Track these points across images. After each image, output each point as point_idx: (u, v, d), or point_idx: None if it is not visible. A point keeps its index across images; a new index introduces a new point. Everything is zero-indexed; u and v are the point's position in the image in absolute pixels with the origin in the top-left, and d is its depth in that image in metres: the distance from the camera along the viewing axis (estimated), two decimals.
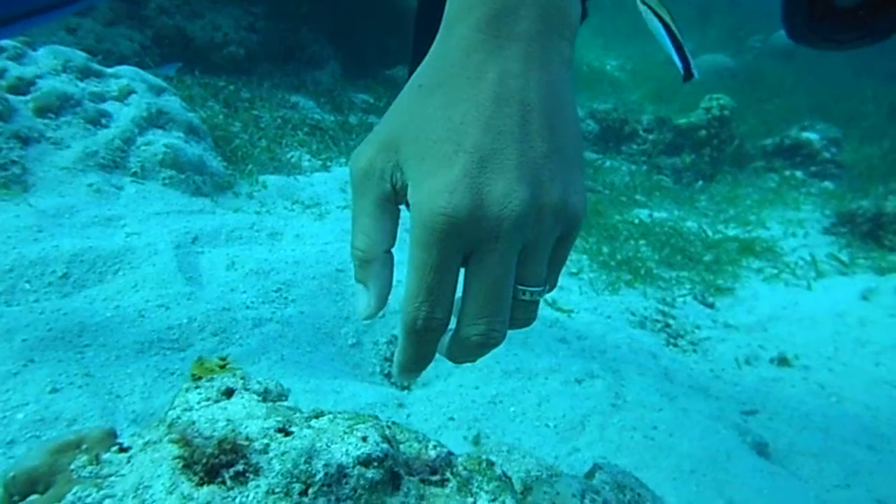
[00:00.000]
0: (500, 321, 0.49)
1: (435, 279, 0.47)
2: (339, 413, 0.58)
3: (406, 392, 1.48)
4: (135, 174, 1.86)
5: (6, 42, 1.83)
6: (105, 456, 0.54)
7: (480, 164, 0.45)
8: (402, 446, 0.58)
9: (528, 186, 0.46)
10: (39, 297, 1.38)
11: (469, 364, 1.55)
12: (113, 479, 0.52)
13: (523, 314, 0.52)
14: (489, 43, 0.48)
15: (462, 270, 0.49)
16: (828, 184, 3.75)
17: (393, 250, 0.54)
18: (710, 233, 2.92)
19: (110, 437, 0.58)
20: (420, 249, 0.47)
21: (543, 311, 1.89)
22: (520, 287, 0.50)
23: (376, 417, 0.58)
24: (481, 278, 0.48)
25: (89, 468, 0.53)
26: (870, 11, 0.76)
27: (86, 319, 1.34)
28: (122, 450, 0.55)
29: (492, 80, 0.47)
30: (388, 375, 1.57)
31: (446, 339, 0.52)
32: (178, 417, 0.56)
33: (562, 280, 2.18)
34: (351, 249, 0.53)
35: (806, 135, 3.96)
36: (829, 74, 6.31)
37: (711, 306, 2.26)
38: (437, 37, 0.51)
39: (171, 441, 0.52)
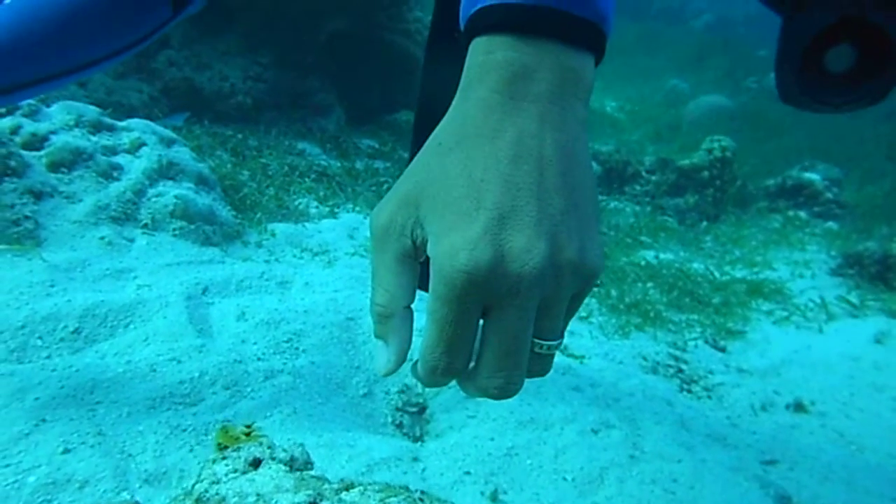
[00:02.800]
0: (517, 374, 0.50)
1: (455, 332, 0.48)
2: (370, 484, 0.56)
3: (420, 445, 1.46)
4: (146, 226, 1.87)
5: None
6: None
7: (500, 221, 0.46)
8: None
9: (547, 243, 0.47)
10: (51, 354, 1.37)
11: (483, 414, 1.53)
12: None
13: (539, 366, 0.53)
14: (507, 104, 0.49)
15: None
16: (832, 224, 3.76)
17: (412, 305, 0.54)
18: (717, 274, 2.91)
19: None
20: (441, 303, 0.48)
21: (556, 357, 1.87)
22: (536, 341, 0.51)
23: (407, 489, 0.56)
24: (500, 333, 0.49)
25: None
26: (862, 75, 0.78)
27: (97, 375, 1.33)
28: None
29: (510, 139, 0.48)
30: (400, 426, 1.55)
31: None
32: (206, 491, 0.55)
33: (572, 325, 2.17)
34: (371, 305, 0.53)
35: (808, 175, 3.99)
36: (827, 116, 6.37)
37: (723, 350, 2.24)
38: (455, 98, 0.53)
39: None
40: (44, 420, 1.18)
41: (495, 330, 0.49)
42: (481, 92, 0.50)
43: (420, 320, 0.49)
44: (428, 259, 0.50)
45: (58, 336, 1.41)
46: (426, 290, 0.50)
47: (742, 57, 8.78)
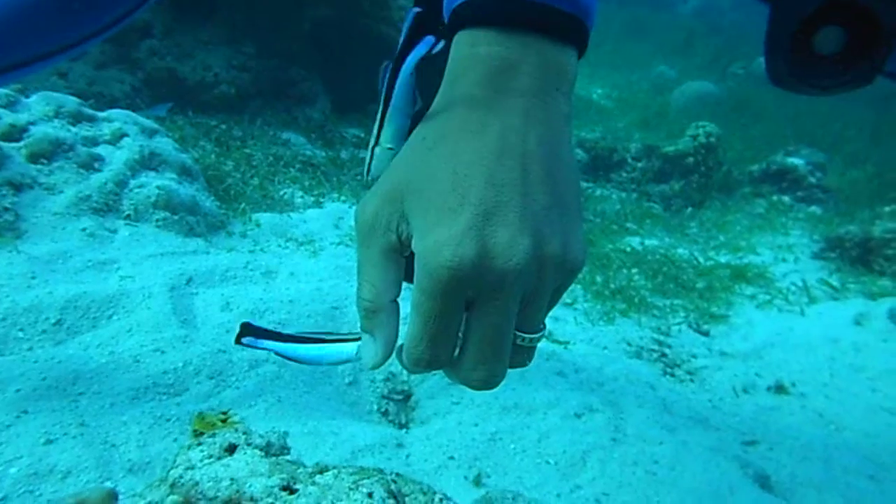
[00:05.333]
0: (499, 366, 0.51)
1: (439, 326, 0.49)
2: (344, 467, 0.57)
3: (405, 431, 1.47)
4: (128, 217, 1.86)
5: None
6: None
7: (485, 217, 0.47)
8: (407, 499, 0.58)
9: (530, 239, 0.47)
10: (33, 346, 1.37)
11: (467, 400, 1.55)
12: None
13: (520, 357, 0.54)
14: (491, 99, 0.49)
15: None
16: (815, 208, 3.79)
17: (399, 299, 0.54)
18: (701, 260, 2.93)
19: (111, 498, 0.57)
20: (425, 297, 0.48)
21: (540, 343, 1.89)
22: (518, 333, 0.51)
23: (381, 471, 0.57)
24: (483, 327, 0.49)
25: None
26: (851, 57, 0.78)
27: (80, 367, 1.33)
28: None
29: (494, 135, 0.48)
30: (386, 413, 1.56)
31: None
32: (181, 476, 0.55)
33: (557, 311, 2.18)
34: (357, 300, 0.54)
35: (791, 160, 4.02)
36: (811, 100, 6.41)
37: (706, 334, 2.26)
38: (440, 92, 0.53)
39: (175, 503, 0.51)
40: (25, 411, 1.18)
41: (478, 324, 0.49)
42: (465, 86, 0.50)
43: (405, 308, 0.49)
44: (413, 252, 0.50)
45: (39, 328, 1.41)
46: (412, 281, 0.51)
47: (729, 43, 8.79)
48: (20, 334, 1.38)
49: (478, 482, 1.25)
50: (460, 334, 0.51)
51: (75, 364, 1.33)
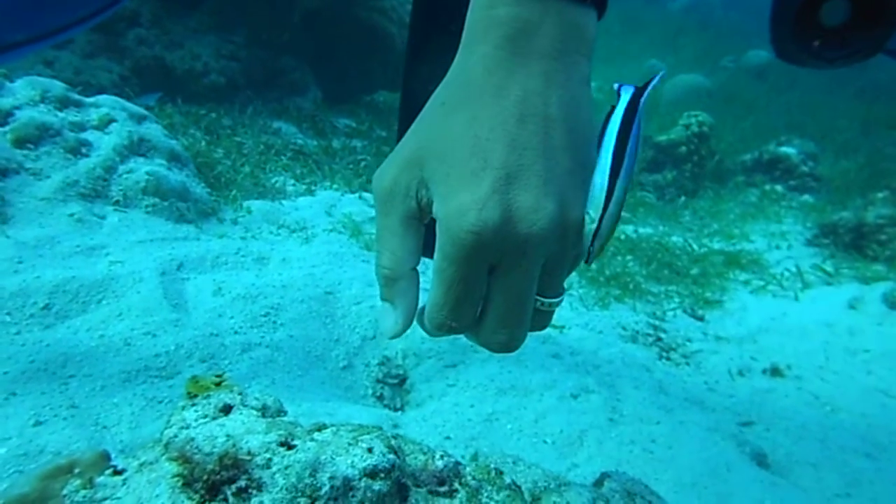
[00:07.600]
0: (521, 330, 0.51)
1: (462, 292, 0.48)
2: (343, 425, 0.56)
3: (400, 413, 1.46)
4: (117, 203, 1.83)
5: None
6: (99, 479, 0.52)
7: (508, 181, 0.46)
8: (407, 458, 0.56)
9: (554, 203, 0.46)
10: (21, 330, 1.34)
11: (463, 383, 1.53)
12: (108, 502, 0.49)
13: (539, 322, 0.53)
14: (510, 61, 0.48)
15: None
16: (807, 197, 3.80)
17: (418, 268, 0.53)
18: (695, 247, 2.93)
19: (104, 459, 0.56)
20: (448, 262, 0.47)
21: None
22: (538, 298, 0.51)
23: (380, 428, 0.56)
24: (506, 291, 0.48)
25: (83, 493, 0.51)
26: (856, 29, 0.77)
27: (69, 350, 1.31)
28: (117, 472, 0.53)
29: (515, 98, 0.47)
30: (381, 397, 1.55)
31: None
32: (176, 436, 0.54)
33: None
34: (376, 268, 0.53)
35: (784, 150, 4.02)
36: (802, 92, 6.44)
37: (701, 319, 2.26)
38: (458, 55, 0.52)
39: (170, 459, 0.49)
40: (14, 394, 1.16)
41: (501, 289, 0.48)
42: (484, 49, 0.49)
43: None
44: (431, 224, 0.49)
45: (27, 312, 1.38)
46: (430, 256, 0.50)
47: (719, 37, 8.82)
48: (7, 318, 1.36)
49: (475, 460, 1.24)
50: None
51: (65, 347, 1.31)
